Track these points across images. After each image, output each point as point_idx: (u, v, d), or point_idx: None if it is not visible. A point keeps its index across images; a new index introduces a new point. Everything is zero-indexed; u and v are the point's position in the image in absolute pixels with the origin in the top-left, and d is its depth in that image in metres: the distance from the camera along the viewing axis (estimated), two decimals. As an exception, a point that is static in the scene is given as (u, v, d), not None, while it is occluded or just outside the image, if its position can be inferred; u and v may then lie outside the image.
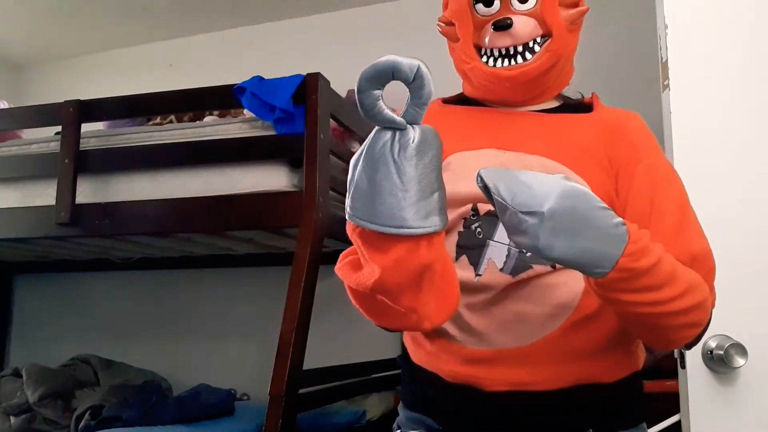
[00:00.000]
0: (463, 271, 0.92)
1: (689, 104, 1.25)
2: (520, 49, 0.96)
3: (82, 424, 2.14)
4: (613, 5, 2.77)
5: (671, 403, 1.27)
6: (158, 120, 2.46)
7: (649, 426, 1.36)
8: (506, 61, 0.97)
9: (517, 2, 0.96)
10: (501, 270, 0.90)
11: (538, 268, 0.90)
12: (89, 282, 3.16)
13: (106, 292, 3.13)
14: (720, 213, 1.18)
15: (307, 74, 1.86)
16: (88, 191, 2.04)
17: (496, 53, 0.97)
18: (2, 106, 2.47)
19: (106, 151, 2.07)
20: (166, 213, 1.94)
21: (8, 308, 3.28)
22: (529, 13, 0.96)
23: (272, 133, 1.86)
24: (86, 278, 3.16)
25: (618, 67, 2.72)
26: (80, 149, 2.04)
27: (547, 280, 0.90)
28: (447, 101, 1.10)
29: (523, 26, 0.95)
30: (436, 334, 0.94)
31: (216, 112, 2.39)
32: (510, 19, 0.95)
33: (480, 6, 0.98)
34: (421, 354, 0.98)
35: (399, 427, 1.00)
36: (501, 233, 0.90)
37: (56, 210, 1.99)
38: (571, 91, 1.08)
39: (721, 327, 1.16)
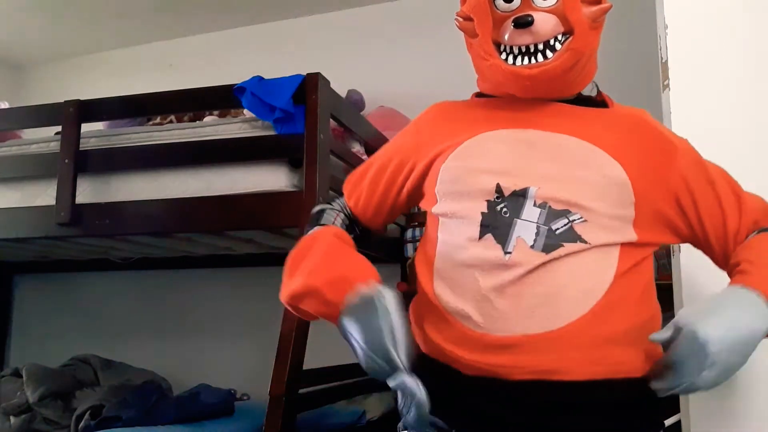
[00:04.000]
0: (489, 250, 0.89)
1: (689, 104, 1.25)
2: (540, 47, 0.93)
3: (82, 424, 2.14)
4: (613, 5, 2.77)
5: (671, 403, 1.27)
6: (158, 120, 2.46)
7: (649, 426, 1.36)
8: (526, 59, 0.94)
9: None
10: (531, 247, 0.87)
11: (568, 246, 0.87)
12: (89, 282, 3.16)
13: (106, 292, 3.13)
14: (720, 213, 1.18)
15: (307, 74, 1.86)
16: (88, 191, 2.04)
17: (516, 50, 0.95)
18: (2, 106, 2.47)
19: (106, 151, 2.07)
20: (166, 213, 1.94)
21: (8, 308, 3.27)
22: (550, 10, 0.94)
23: (272, 133, 1.86)
24: (86, 278, 3.16)
25: (618, 67, 2.71)
26: (80, 149, 2.04)
27: (578, 260, 0.87)
28: (479, 96, 1.10)
29: (545, 23, 0.93)
30: (453, 320, 0.91)
31: (216, 112, 2.39)
32: (531, 16, 0.92)
33: (500, 1, 0.95)
34: (435, 343, 0.94)
35: (405, 428, 0.96)
36: (529, 212, 0.89)
37: (56, 210, 1.99)
38: (587, 88, 1.06)
39: (721, 327, 1.16)
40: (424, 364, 0.94)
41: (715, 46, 1.27)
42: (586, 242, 0.88)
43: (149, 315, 3.02)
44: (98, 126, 2.40)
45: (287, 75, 1.89)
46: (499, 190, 0.92)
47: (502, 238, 0.89)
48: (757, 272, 0.86)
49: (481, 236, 0.91)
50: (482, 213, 0.91)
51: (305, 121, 1.81)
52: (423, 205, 1.05)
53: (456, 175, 0.96)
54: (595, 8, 0.96)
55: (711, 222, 0.95)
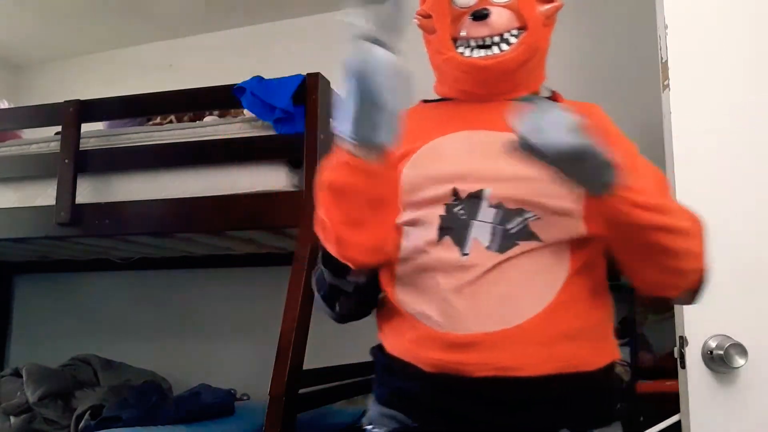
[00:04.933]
0: (448, 252, 0.92)
1: (689, 104, 1.25)
2: (496, 39, 0.99)
3: (82, 424, 2.14)
4: (613, 5, 2.77)
5: (671, 403, 1.27)
6: (158, 120, 2.46)
7: (649, 426, 1.36)
8: (483, 51, 0.99)
9: None
10: (487, 248, 0.90)
11: (523, 244, 0.90)
12: (89, 282, 3.16)
13: (106, 292, 3.13)
14: (720, 213, 1.18)
15: (307, 74, 1.86)
16: (88, 191, 2.04)
17: (473, 44, 0.99)
18: (2, 106, 2.47)
19: (106, 151, 2.07)
20: (166, 213, 1.94)
21: (8, 308, 3.27)
22: (506, 6, 0.99)
23: (272, 133, 1.86)
24: (86, 278, 3.16)
25: (618, 67, 2.72)
26: (80, 149, 2.04)
27: (533, 258, 0.90)
28: (427, 101, 1.11)
29: (500, 17, 0.98)
30: (416, 320, 0.93)
31: (216, 112, 2.39)
32: (487, 9, 0.98)
33: None
34: (399, 342, 0.96)
35: (370, 423, 0.99)
36: (484, 213, 0.92)
37: (56, 210, 1.99)
38: (543, 89, 1.10)
39: (721, 327, 1.16)
40: (387, 363, 0.97)
41: (715, 46, 1.27)
42: (540, 240, 0.91)
43: (149, 315, 3.02)
44: (98, 126, 2.40)
45: (287, 75, 1.89)
46: (455, 193, 0.94)
47: (460, 240, 0.92)
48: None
49: (439, 239, 0.93)
50: (440, 216, 0.94)
51: (305, 121, 1.81)
52: None
53: (414, 183, 0.97)
54: (548, 6, 1.02)
55: None
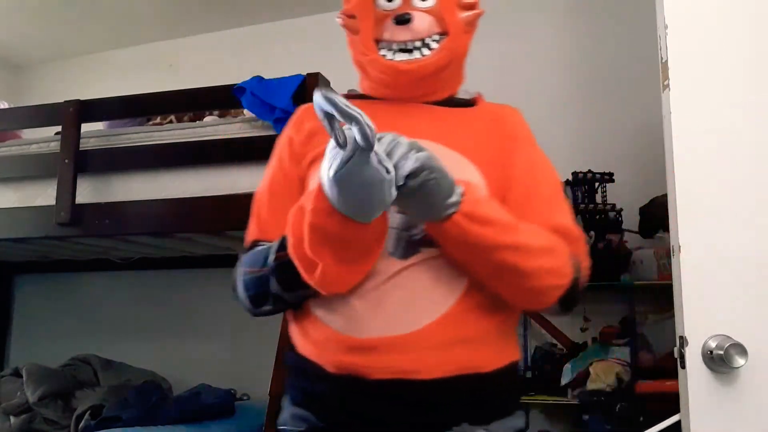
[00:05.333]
0: None
1: (689, 104, 1.25)
2: (418, 44, 1.00)
3: (82, 424, 2.14)
4: (613, 5, 2.77)
5: (671, 403, 1.27)
6: (158, 120, 2.46)
7: (649, 426, 1.36)
8: (405, 55, 1.00)
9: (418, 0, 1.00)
10: (391, 254, 0.91)
11: (426, 251, 0.91)
12: (89, 282, 3.16)
13: (106, 292, 3.13)
14: (720, 213, 1.18)
15: (307, 74, 1.86)
16: (88, 191, 2.04)
17: (395, 47, 1.01)
18: (2, 106, 2.47)
19: (106, 151, 2.07)
20: (166, 213, 1.94)
21: (8, 308, 3.28)
22: (428, 11, 1.01)
23: (272, 133, 1.86)
24: (86, 278, 3.16)
25: (618, 67, 2.72)
26: (80, 149, 2.05)
27: (434, 265, 0.91)
28: (348, 97, 1.10)
29: (422, 22, 1.00)
30: (322, 323, 0.95)
31: (216, 112, 2.39)
32: (410, 14, 0.99)
33: (382, 1, 1.01)
34: (308, 344, 0.97)
35: (284, 425, 0.99)
36: (391, 218, 0.92)
37: (56, 210, 1.99)
38: (462, 92, 1.11)
39: (721, 327, 1.16)
40: (297, 363, 0.99)
41: (715, 46, 1.27)
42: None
43: (149, 315, 3.02)
44: (98, 126, 2.40)
45: (287, 75, 1.89)
46: None
47: None
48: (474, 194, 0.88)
49: None
50: None
51: (305, 121, 1.81)
52: None
53: None
54: (469, 13, 1.03)
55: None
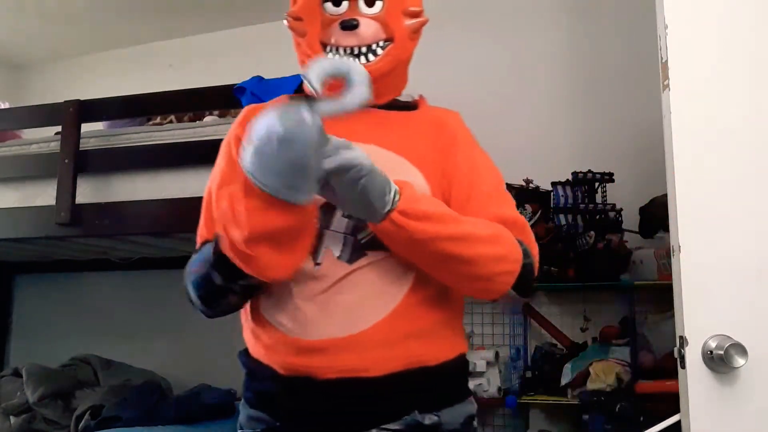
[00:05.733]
0: (303, 262, 0.93)
1: (689, 104, 1.25)
2: (363, 50, 1.02)
3: (82, 424, 2.14)
4: (613, 5, 2.77)
5: (671, 403, 1.27)
6: (158, 120, 2.46)
7: (649, 426, 1.36)
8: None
9: (364, 6, 1.02)
10: (338, 258, 0.93)
11: (371, 255, 0.94)
12: (89, 282, 3.16)
13: (106, 292, 3.13)
14: (720, 213, 1.18)
15: (307, 74, 1.86)
16: (88, 191, 2.04)
17: (342, 52, 1.02)
18: (2, 106, 2.47)
19: (106, 151, 2.07)
20: (166, 213, 1.94)
21: (8, 308, 3.28)
22: (374, 17, 1.02)
23: (272, 133, 1.86)
24: (86, 278, 3.16)
25: (618, 67, 2.72)
26: (80, 149, 2.05)
27: (379, 268, 0.94)
28: (292, 98, 1.10)
29: (368, 28, 1.01)
30: (272, 326, 0.96)
31: (216, 112, 2.39)
32: (356, 20, 1.01)
33: (329, 5, 1.03)
34: (259, 347, 0.99)
35: (241, 427, 1.01)
36: (338, 222, 0.94)
37: (56, 210, 1.99)
38: (404, 95, 1.13)
39: (721, 327, 1.16)
40: (250, 366, 1.01)
41: (715, 46, 1.27)
42: (387, 250, 0.94)
43: (149, 315, 3.02)
44: (98, 126, 2.40)
45: (287, 75, 1.89)
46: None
47: (314, 249, 0.94)
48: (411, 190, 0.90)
49: None
50: None
51: (305, 121, 1.81)
52: None
53: None
54: (414, 20, 1.05)
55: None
